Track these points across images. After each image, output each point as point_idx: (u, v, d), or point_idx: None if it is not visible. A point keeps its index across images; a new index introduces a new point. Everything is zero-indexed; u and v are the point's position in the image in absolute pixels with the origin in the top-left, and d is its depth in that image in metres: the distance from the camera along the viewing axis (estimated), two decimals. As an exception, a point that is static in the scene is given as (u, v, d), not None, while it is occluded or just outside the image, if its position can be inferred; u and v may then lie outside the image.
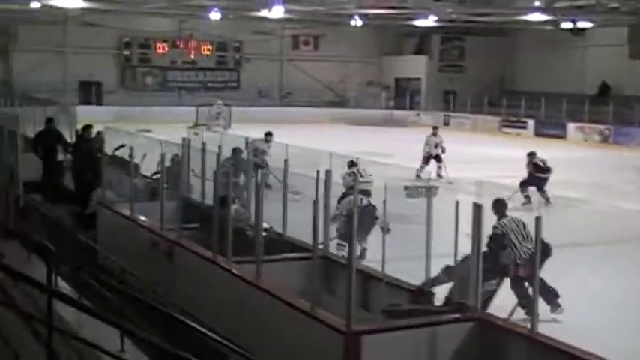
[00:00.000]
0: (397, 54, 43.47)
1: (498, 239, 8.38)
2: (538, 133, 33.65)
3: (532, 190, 15.98)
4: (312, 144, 16.91)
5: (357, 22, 34.03)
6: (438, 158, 19.79)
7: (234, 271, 7.97)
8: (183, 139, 11.08)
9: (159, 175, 10.91)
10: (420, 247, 6.99)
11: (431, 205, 6.98)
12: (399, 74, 43.26)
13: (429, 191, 7.06)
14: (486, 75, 40.05)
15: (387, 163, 16.88)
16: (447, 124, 36.90)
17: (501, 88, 40.41)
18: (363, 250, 10.19)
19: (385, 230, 7.33)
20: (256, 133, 17.49)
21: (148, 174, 12.45)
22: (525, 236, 8.48)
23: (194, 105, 34.43)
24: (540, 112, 34.25)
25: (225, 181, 9.20)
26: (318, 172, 7.90)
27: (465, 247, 6.59)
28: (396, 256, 7.20)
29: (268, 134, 18.19)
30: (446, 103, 39.77)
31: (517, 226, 8.58)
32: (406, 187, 7.03)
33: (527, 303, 7.88)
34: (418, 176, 17.50)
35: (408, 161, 17.97)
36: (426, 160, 19.66)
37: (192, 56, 40.57)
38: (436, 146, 20.05)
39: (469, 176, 14.55)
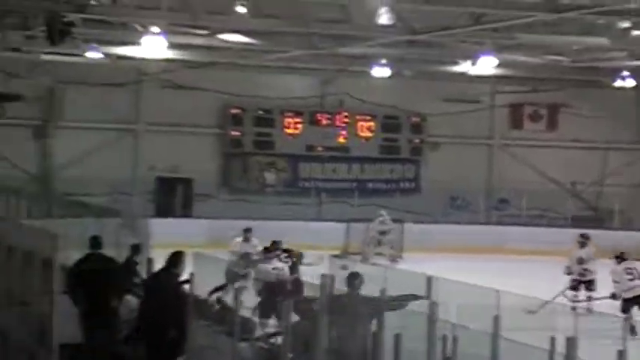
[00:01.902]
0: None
1: None
2: None
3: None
4: (541, 291, 16.85)
5: (626, 81, 33.13)
6: (589, 284, 21.80)
7: None
8: (324, 277, 11.02)
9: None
10: None
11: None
12: None
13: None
14: None
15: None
16: None
17: None
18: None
19: None
20: (445, 270, 16.92)
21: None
22: None
23: (343, 220, 33.85)
24: None
25: None
26: (553, 338, 8.34)
27: None
28: None
29: (247, 230, 21.91)
30: None
31: None
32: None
33: None
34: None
35: None
36: (576, 284, 21.88)
37: (341, 139, 39.36)
38: (582, 263, 22.19)
39: None
